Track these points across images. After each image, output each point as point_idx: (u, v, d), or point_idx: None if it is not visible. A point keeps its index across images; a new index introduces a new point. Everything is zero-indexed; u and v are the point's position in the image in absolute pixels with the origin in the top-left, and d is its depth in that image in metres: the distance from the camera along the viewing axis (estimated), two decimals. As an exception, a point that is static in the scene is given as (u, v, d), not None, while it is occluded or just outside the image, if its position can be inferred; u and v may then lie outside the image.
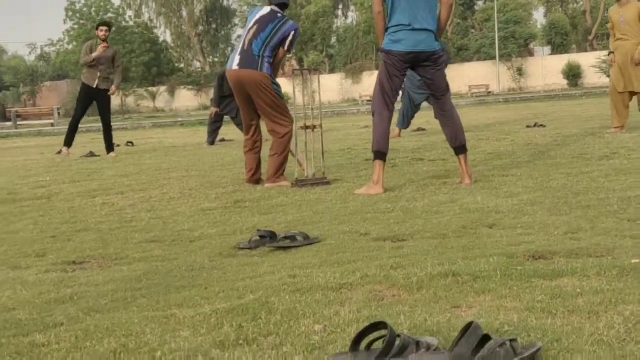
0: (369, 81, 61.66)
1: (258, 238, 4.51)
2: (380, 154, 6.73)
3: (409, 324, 2.67)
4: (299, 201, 6.35)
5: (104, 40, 13.66)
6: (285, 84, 42.44)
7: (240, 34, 7.90)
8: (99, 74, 13.60)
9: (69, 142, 13.89)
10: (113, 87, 13.86)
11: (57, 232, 5.47)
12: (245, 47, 7.66)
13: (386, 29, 6.71)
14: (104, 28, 13.89)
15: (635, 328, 2.48)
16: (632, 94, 11.13)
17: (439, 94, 6.98)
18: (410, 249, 4.03)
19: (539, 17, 73.54)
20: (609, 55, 11.58)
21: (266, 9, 7.85)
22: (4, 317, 3.18)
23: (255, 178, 7.86)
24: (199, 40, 74.19)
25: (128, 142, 18.13)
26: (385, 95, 6.82)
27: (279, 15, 7.78)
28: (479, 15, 66.84)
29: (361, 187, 6.76)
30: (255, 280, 3.54)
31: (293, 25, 7.84)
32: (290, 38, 7.73)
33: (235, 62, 7.70)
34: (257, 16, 7.80)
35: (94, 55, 13.49)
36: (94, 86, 13.65)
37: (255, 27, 7.70)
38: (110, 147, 13.91)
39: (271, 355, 2.46)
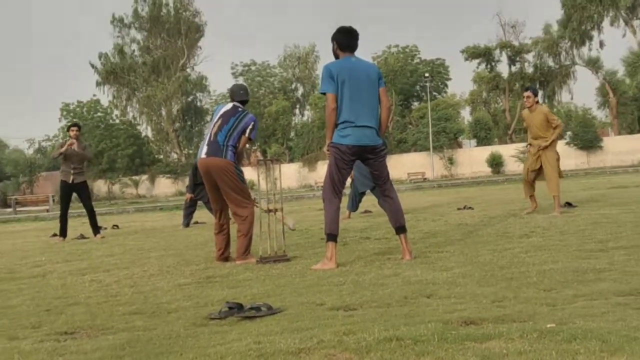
0: (323, 169, 61.97)
1: (227, 309, 4.47)
2: (332, 236, 6.75)
3: (359, 384, 2.66)
4: (262, 276, 6.31)
5: (75, 139, 13.53)
6: (251, 172, 42.33)
7: (208, 127, 7.93)
8: (72, 171, 13.40)
9: (63, 233, 13.56)
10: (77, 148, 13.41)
11: (51, 306, 5.38)
12: (212, 139, 7.69)
13: (335, 126, 6.79)
14: (74, 128, 13.76)
15: (553, 385, 2.49)
16: (537, 175, 11.60)
17: (381, 182, 7.05)
18: (359, 317, 4.01)
19: (466, 114, 74.78)
20: (527, 146, 12.01)
21: (229, 105, 7.93)
22: (3, 384, 3.11)
23: (224, 256, 7.80)
24: (175, 135, 74.33)
25: (114, 225, 17.99)
26: (334, 185, 6.87)
27: (240, 109, 7.85)
28: (415, 113, 67.81)
29: (317, 263, 6.75)
30: (224, 347, 3.50)
31: (252, 117, 7.89)
32: (250, 127, 7.79)
33: (203, 151, 7.72)
34: (221, 112, 7.86)
35: (62, 150, 13.29)
36: (70, 181, 13.44)
37: (219, 121, 7.75)
38: (96, 229, 13.70)
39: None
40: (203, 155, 7.72)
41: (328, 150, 6.92)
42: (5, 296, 6.16)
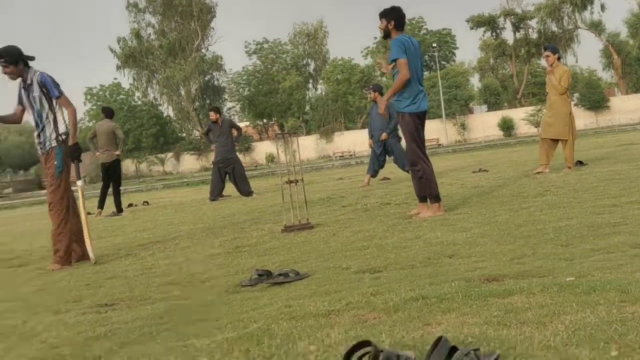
0: (340, 140, 62.07)
1: (257, 276, 4.50)
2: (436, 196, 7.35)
3: (389, 340, 2.67)
4: (288, 244, 6.33)
5: None
6: (270, 146, 42.50)
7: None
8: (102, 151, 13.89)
9: (101, 205, 14.15)
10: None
11: (90, 281, 5.44)
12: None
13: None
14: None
15: (575, 334, 2.49)
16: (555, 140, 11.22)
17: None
18: (385, 279, 4.03)
19: (475, 81, 74.18)
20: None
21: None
22: (51, 354, 3.15)
23: None
24: (196, 113, 74.15)
25: (144, 202, 18.08)
26: (420, 149, 7.33)
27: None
28: (425, 82, 67.28)
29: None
30: (257, 312, 3.53)
31: None
32: None
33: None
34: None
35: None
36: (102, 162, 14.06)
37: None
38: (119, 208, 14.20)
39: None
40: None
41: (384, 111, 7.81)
42: (48, 273, 6.24)
